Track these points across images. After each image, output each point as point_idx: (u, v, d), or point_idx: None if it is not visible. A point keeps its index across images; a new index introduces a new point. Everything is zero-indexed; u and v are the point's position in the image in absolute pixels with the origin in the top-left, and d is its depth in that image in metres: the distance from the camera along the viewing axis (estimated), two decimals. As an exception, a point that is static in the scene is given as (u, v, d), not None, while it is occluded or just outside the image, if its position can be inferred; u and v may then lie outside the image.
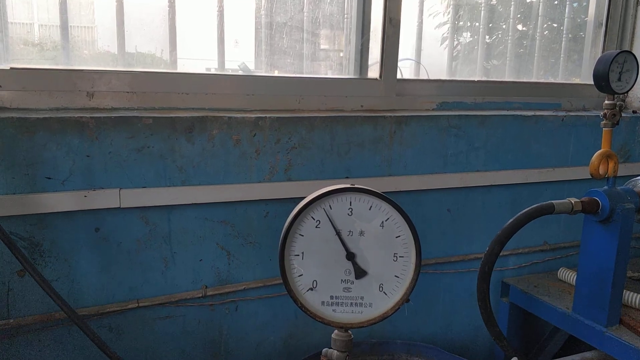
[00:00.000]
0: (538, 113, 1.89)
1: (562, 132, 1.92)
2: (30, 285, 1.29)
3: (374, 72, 1.73)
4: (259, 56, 1.67)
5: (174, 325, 1.47)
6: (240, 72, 1.66)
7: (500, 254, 1.36)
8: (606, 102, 1.47)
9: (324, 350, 1.05)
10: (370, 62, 1.73)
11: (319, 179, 1.55)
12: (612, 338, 1.48)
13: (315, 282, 1.01)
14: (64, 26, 1.41)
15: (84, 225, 1.32)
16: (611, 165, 1.47)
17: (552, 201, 1.38)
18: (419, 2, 1.90)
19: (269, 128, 1.46)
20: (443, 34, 2.04)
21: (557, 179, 1.94)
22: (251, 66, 1.67)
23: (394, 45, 1.69)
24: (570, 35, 2.17)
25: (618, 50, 1.44)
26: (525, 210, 1.36)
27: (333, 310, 1.02)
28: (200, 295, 1.47)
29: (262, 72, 1.67)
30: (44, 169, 1.25)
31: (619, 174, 1.49)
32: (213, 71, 1.60)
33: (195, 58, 1.61)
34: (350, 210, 0.98)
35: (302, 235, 0.99)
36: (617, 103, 1.47)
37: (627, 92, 1.49)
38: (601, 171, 1.47)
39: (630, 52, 1.46)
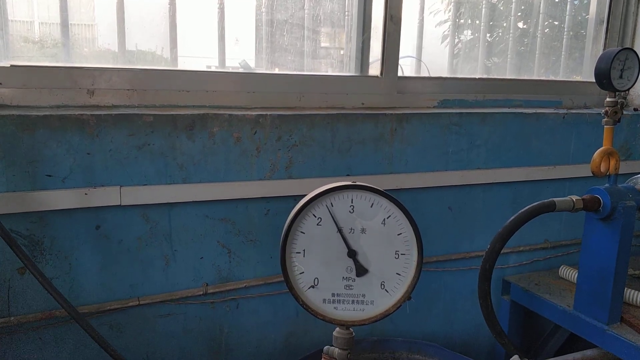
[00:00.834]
0: (539, 111, 1.89)
1: (564, 130, 1.92)
2: (30, 282, 1.29)
3: (375, 69, 1.72)
4: (260, 53, 1.66)
5: (175, 323, 1.47)
6: (241, 70, 1.65)
7: (502, 251, 1.36)
8: (608, 99, 1.47)
9: (326, 348, 1.05)
10: (371, 59, 1.72)
11: (320, 177, 1.54)
12: (613, 336, 1.48)
13: (316, 279, 1.01)
14: (64, 24, 1.40)
15: (85, 223, 1.32)
16: (612, 162, 1.47)
17: (554, 199, 1.37)
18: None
19: (269, 125, 1.46)
20: (444, 31, 2.03)
21: (558, 177, 1.93)
22: (252, 64, 1.67)
23: (395, 42, 1.68)
24: (571, 33, 2.17)
25: (620, 48, 1.44)
26: (527, 208, 1.36)
27: (334, 307, 1.02)
28: (201, 293, 1.47)
29: (262, 70, 1.66)
30: (45, 167, 1.25)
31: (620, 171, 1.49)
32: (214, 69, 1.60)
33: (196, 56, 1.60)
34: (352, 207, 0.98)
35: (304, 233, 0.99)
36: (619, 100, 1.46)
37: (628, 89, 1.48)
38: (602, 169, 1.47)
39: (632, 50, 1.46)
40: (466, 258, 1.84)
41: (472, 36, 2.08)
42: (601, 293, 1.50)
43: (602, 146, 1.48)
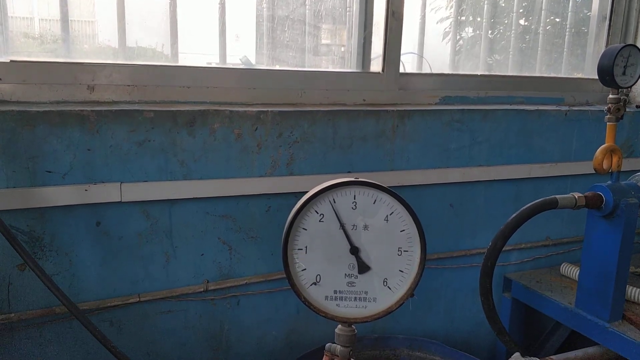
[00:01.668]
0: (541, 108, 1.88)
1: (566, 127, 1.92)
2: (31, 279, 1.28)
3: (376, 66, 1.72)
4: (261, 50, 1.66)
5: (176, 320, 1.47)
6: (241, 66, 1.65)
7: (503, 249, 1.35)
8: (610, 96, 1.46)
9: (327, 345, 1.05)
10: (372, 55, 1.72)
11: (321, 173, 1.54)
12: (614, 333, 1.47)
13: (318, 276, 1.00)
14: (64, 20, 1.40)
15: (85, 219, 1.32)
16: (615, 160, 1.47)
17: (556, 196, 1.37)
18: (421, -4, 1.89)
19: (270, 122, 1.45)
20: (445, 28, 2.03)
21: (560, 174, 1.93)
22: (253, 60, 1.66)
23: (397, 38, 1.67)
24: (573, 30, 2.16)
25: (623, 44, 1.43)
26: (528, 205, 1.36)
27: (337, 304, 1.01)
28: (202, 289, 1.46)
29: (263, 66, 1.66)
30: (45, 163, 1.25)
31: (623, 168, 1.49)
32: (214, 65, 1.59)
33: (197, 52, 1.60)
34: (355, 204, 0.97)
35: (306, 229, 0.98)
36: (621, 97, 1.46)
37: (631, 86, 1.48)
38: (605, 166, 1.47)
39: (634, 46, 1.45)
40: (467, 255, 1.83)
41: (473, 33, 2.07)
42: (603, 290, 1.50)
43: (604, 143, 1.47)
